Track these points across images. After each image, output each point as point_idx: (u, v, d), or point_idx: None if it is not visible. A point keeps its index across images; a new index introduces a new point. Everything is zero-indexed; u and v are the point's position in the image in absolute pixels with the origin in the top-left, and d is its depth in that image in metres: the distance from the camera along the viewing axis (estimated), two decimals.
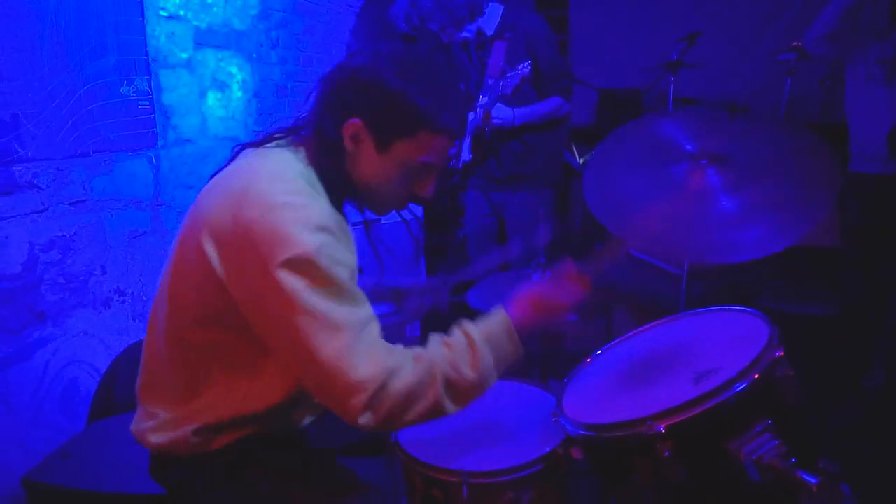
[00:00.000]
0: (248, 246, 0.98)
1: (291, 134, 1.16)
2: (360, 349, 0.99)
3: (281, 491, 1.16)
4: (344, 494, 1.17)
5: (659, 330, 1.31)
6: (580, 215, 4.15)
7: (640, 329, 1.33)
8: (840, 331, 2.63)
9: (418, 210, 3.09)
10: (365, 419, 0.99)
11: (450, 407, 1.05)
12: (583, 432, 1.08)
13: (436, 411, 1.04)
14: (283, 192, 1.01)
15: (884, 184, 2.55)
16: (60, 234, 1.98)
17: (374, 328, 1.04)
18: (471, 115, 2.57)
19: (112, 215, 2.17)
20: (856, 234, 2.72)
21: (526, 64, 2.27)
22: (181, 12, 2.40)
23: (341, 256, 1.02)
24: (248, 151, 1.15)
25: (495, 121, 2.41)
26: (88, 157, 2.07)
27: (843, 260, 2.79)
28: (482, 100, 2.46)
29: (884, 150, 2.46)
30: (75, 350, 2.06)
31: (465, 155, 2.58)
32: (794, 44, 3.23)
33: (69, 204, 2.01)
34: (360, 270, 1.21)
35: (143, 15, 2.22)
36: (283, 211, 0.98)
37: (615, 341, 1.33)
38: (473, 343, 1.07)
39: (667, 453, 0.96)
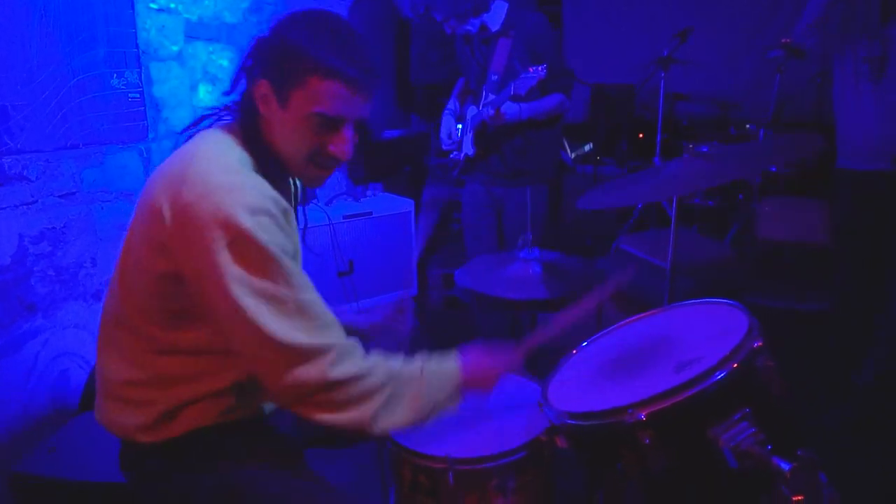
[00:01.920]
0: (189, 228, 1.00)
1: (223, 113, 1.18)
2: (298, 324, 1.02)
3: (252, 478, 1.16)
4: (315, 483, 1.18)
5: (643, 322, 1.33)
6: (571, 211, 4.17)
7: (625, 321, 1.35)
8: (829, 327, 2.66)
9: (410, 204, 3.12)
10: (281, 384, 1.03)
11: (378, 420, 1.08)
12: (566, 421, 1.09)
13: (361, 416, 1.07)
14: (219, 174, 1.03)
15: (871, 180, 2.57)
16: (50, 227, 1.99)
17: (315, 308, 1.07)
18: (473, 110, 2.59)
19: (102, 207, 2.17)
20: (844, 229, 2.74)
21: (542, 67, 2.29)
22: (172, 5, 2.39)
23: (279, 238, 1.04)
24: (192, 136, 1.17)
25: (507, 117, 2.44)
26: (78, 149, 2.07)
27: (832, 256, 2.82)
28: (489, 97, 2.49)
29: (870, 146, 2.48)
30: (66, 342, 2.07)
31: (468, 149, 2.60)
32: (784, 40, 3.25)
33: (59, 196, 2.02)
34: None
35: (133, 7, 2.22)
36: (221, 193, 1.00)
37: (601, 333, 1.35)
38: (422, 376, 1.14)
39: (647, 441, 0.98)
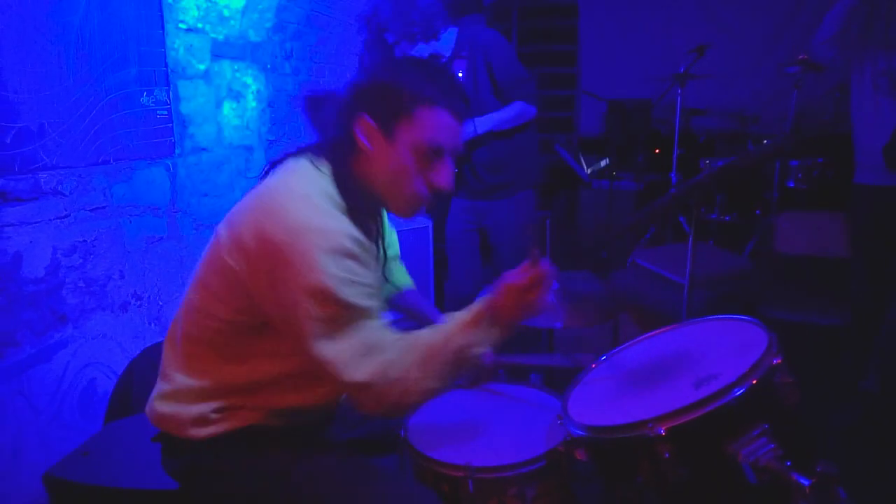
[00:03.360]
0: (273, 265, 1.05)
1: (315, 149, 1.22)
2: (361, 358, 1.08)
3: (297, 477, 1.20)
4: (362, 479, 1.21)
5: (662, 337, 1.35)
6: (588, 224, 4.19)
7: (644, 336, 1.37)
8: (846, 340, 2.65)
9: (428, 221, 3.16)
10: (371, 410, 1.12)
11: (436, 380, 1.14)
12: (586, 434, 1.11)
13: (430, 388, 1.14)
14: (307, 213, 1.07)
15: (889, 195, 2.56)
16: (82, 240, 2.05)
17: (379, 334, 1.12)
18: None
19: (130, 221, 2.23)
20: (862, 244, 2.74)
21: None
22: (199, 25, 2.47)
23: (361, 278, 1.09)
24: (277, 168, 1.21)
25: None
26: (109, 164, 2.14)
27: (851, 270, 2.81)
28: None
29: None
30: (94, 352, 2.12)
31: None
32: (801, 57, 3.26)
33: (90, 210, 2.08)
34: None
35: (163, 28, 2.29)
36: (308, 235, 1.04)
37: (619, 347, 1.37)
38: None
39: (667, 455, 1.00)
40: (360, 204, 1.18)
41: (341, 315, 1.07)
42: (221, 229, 1.15)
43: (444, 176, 1.18)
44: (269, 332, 1.15)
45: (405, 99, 1.13)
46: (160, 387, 1.27)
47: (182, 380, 1.22)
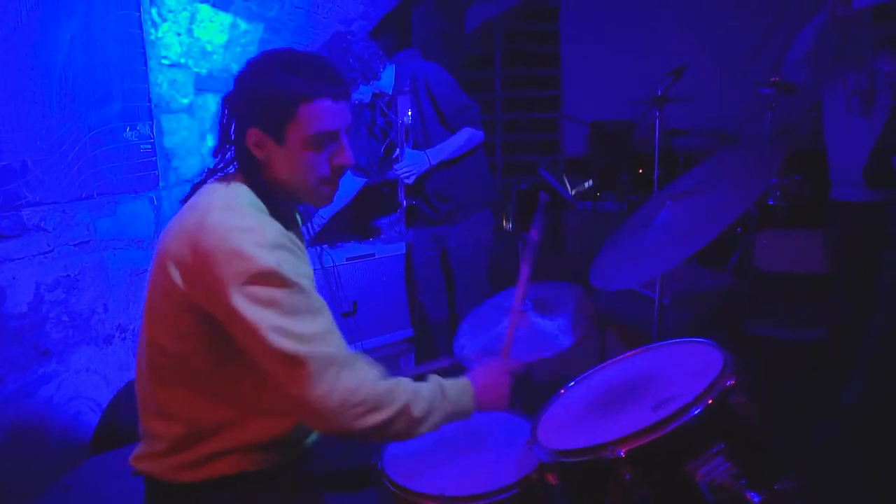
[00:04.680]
0: (211, 270, 1.07)
1: (223, 168, 1.26)
2: (320, 356, 1.09)
3: None
4: None
5: (627, 361, 1.38)
6: (572, 245, 4.23)
7: (610, 361, 1.40)
8: (826, 355, 2.68)
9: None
10: (318, 417, 1.10)
11: (404, 428, 1.16)
12: (553, 458, 1.14)
13: (391, 427, 1.14)
14: (235, 218, 1.11)
15: (864, 211, 2.62)
16: (65, 274, 2.07)
17: (335, 337, 1.14)
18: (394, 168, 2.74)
19: (115, 254, 2.26)
20: (841, 259, 2.78)
21: (406, 115, 2.55)
22: (182, 60, 2.52)
23: (300, 269, 1.12)
24: (200, 190, 1.25)
25: (409, 180, 2.66)
26: (93, 199, 2.17)
27: (829, 285, 2.85)
28: (397, 151, 2.70)
29: (861, 178, 2.53)
30: (78, 385, 2.13)
31: (404, 201, 2.81)
32: (773, 79, 3.33)
33: (74, 245, 2.11)
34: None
35: (146, 64, 2.34)
36: (239, 234, 1.08)
37: (587, 372, 1.40)
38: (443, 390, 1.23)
39: (628, 476, 1.02)
40: (284, 208, 1.22)
41: (288, 299, 1.08)
42: (159, 254, 1.18)
43: (343, 154, 1.22)
44: (228, 358, 1.17)
45: (284, 103, 1.15)
46: (139, 450, 1.28)
47: (156, 427, 1.23)
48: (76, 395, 2.13)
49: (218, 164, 1.28)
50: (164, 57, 2.43)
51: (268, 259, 1.07)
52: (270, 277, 1.07)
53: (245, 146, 1.20)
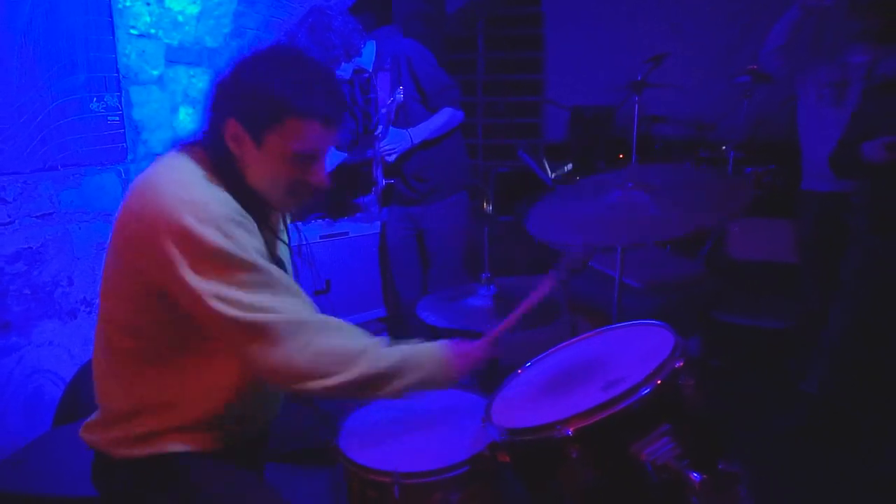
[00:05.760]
0: (158, 244, 1.06)
1: (192, 145, 1.23)
2: (275, 322, 1.09)
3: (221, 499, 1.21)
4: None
5: (582, 343, 1.39)
6: None
7: (566, 343, 1.41)
8: (792, 343, 2.73)
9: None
10: (284, 379, 1.12)
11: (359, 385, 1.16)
12: (505, 437, 1.14)
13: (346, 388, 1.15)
14: (182, 191, 1.09)
15: (833, 201, 2.66)
16: (27, 247, 2.04)
17: (293, 301, 1.14)
18: (373, 147, 2.72)
19: (80, 228, 2.22)
20: (809, 249, 2.82)
21: (398, 90, 2.49)
22: (152, 31, 2.47)
23: (249, 242, 1.11)
24: (156, 160, 1.23)
25: (390, 157, 2.63)
26: (56, 171, 2.13)
27: (798, 274, 2.90)
28: (380, 129, 2.65)
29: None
30: (40, 359, 2.11)
31: (380, 181, 2.75)
32: (750, 67, 3.35)
33: (36, 217, 2.07)
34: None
35: (113, 34, 2.29)
36: (186, 208, 1.06)
37: (543, 354, 1.41)
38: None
39: (575, 455, 1.03)
40: (247, 198, 1.18)
41: (229, 270, 1.07)
42: (114, 229, 1.17)
43: (317, 175, 1.20)
44: (177, 329, 1.16)
45: (276, 108, 1.11)
46: (89, 419, 1.27)
47: (109, 402, 1.22)
48: (38, 369, 2.11)
49: (189, 139, 1.25)
50: (133, 27, 2.38)
51: (214, 236, 1.06)
52: (217, 254, 1.06)
53: (221, 135, 1.17)
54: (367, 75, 2.71)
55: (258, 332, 1.09)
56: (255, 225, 1.17)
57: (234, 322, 1.07)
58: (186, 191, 1.10)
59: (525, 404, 1.25)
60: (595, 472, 1.05)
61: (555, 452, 1.07)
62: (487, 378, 1.78)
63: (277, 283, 1.13)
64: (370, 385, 1.17)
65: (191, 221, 1.05)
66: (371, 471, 1.23)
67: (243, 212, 1.14)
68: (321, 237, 2.92)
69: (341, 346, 1.15)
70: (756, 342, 3.00)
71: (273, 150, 1.15)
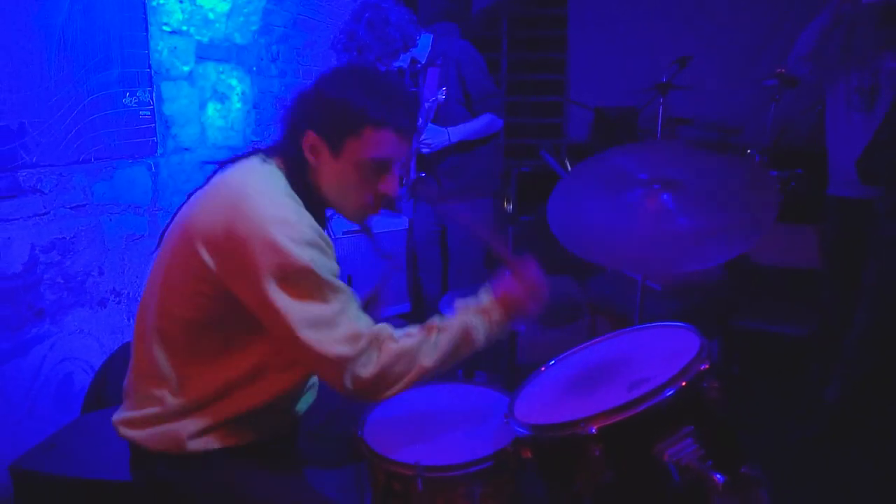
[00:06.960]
0: (245, 258, 1.09)
1: (267, 151, 1.27)
2: (350, 350, 1.14)
3: (265, 496, 1.24)
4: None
5: (607, 343, 1.40)
6: None
7: (590, 342, 1.42)
8: (814, 350, 2.71)
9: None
10: (350, 385, 1.16)
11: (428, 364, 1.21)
12: (527, 432, 1.16)
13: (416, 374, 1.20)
14: (273, 208, 1.13)
15: (859, 208, 2.62)
16: (60, 237, 2.09)
17: (355, 312, 1.19)
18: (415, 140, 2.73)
19: (111, 219, 2.27)
20: (833, 255, 2.79)
21: (441, 90, 2.53)
22: (184, 27, 2.52)
23: (330, 266, 1.16)
24: (229, 166, 1.25)
25: (424, 150, 2.65)
26: (90, 163, 2.18)
27: (821, 281, 2.87)
28: (419, 122, 2.66)
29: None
30: (71, 347, 2.16)
31: (413, 174, 2.79)
32: (778, 70, 3.32)
33: (70, 208, 2.13)
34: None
35: (146, 30, 2.34)
36: (277, 227, 1.10)
37: (567, 352, 1.42)
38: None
39: (597, 453, 1.04)
40: (317, 207, 1.24)
41: (317, 294, 1.12)
42: (188, 228, 1.18)
43: (389, 185, 1.25)
44: (231, 328, 1.19)
45: (353, 118, 1.17)
46: (126, 412, 1.28)
47: (150, 399, 1.23)
48: (69, 357, 2.16)
49: (260, 144, 1.31)
50: (166, 24, 2.43)
51: (302, 256, 1.09)
52: (304, 274, 1.10)
53: (299, 146, 1.22)
54: (419, 66, 2.72)
55: (343, 365, 1.14)
56: (332, 245, 1.22)
57: (324, 357, 1.13)
58: (279, 208, 1.13)
59: (549, 402, 1.26)
60: (617, 471, 1.06)
61: (578, 450, 1.08)
62: (509, 376, 1.80)
63: (351, 302, 1.19)
64: (446, 363, 1.22)
65: (284, 241, 1.09)
66: (395, 463, 1.25)
67: (324, 233, 1.19)
68: (344, 232, 2.96)
69: (407, 347, 1.20)
70: (777, 349, 2.98)
71: (350, 158, 1.20)
